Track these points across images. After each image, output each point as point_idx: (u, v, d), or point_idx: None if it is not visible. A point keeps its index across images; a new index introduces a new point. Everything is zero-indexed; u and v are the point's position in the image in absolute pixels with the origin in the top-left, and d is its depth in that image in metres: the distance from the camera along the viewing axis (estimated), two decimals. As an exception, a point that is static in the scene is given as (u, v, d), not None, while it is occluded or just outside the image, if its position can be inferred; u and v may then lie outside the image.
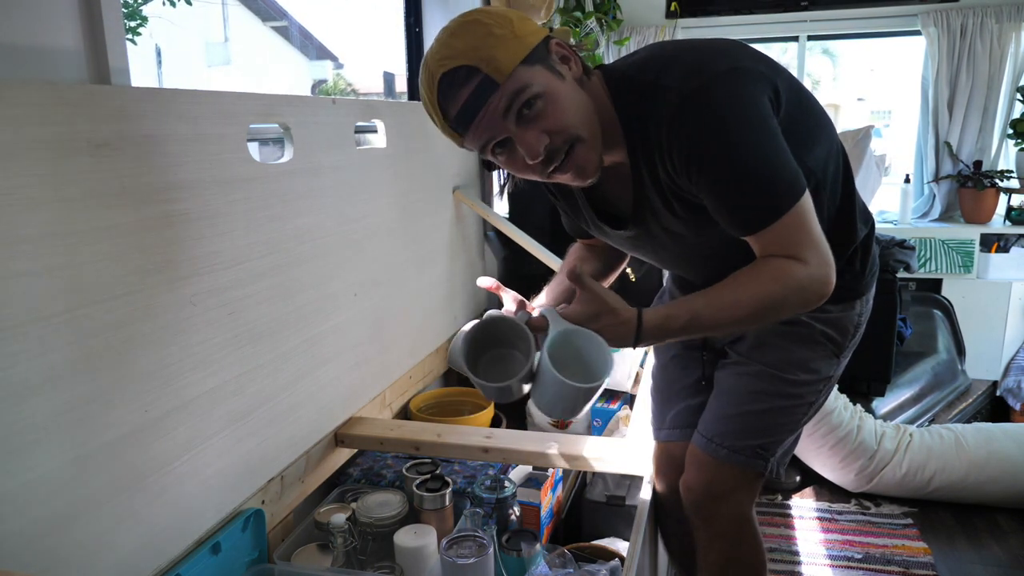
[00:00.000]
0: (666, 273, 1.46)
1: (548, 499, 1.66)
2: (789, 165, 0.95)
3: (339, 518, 1.31)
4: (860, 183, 2.97)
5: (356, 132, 1.68)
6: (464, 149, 1.02)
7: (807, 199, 0.96)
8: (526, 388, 1.06)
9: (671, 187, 1.02)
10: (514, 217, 2.39)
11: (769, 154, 0.94)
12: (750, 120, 0.94)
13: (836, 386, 2.57)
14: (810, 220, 0.97)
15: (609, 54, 3.52)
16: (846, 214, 1.14)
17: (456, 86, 0.93)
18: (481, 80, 0.92)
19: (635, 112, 1.00)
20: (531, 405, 2.05)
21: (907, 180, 3.45)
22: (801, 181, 0.96)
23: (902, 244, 2.63)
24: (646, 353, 2.06)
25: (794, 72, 3.64)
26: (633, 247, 1.22)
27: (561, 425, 2.05)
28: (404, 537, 1.37)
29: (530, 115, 0.95)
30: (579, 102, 0.99)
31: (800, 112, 1.04)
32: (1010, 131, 3.25)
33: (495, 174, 2.54)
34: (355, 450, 1.72)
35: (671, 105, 0.95)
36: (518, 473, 1.68)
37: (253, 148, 1.31)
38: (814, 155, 1.06)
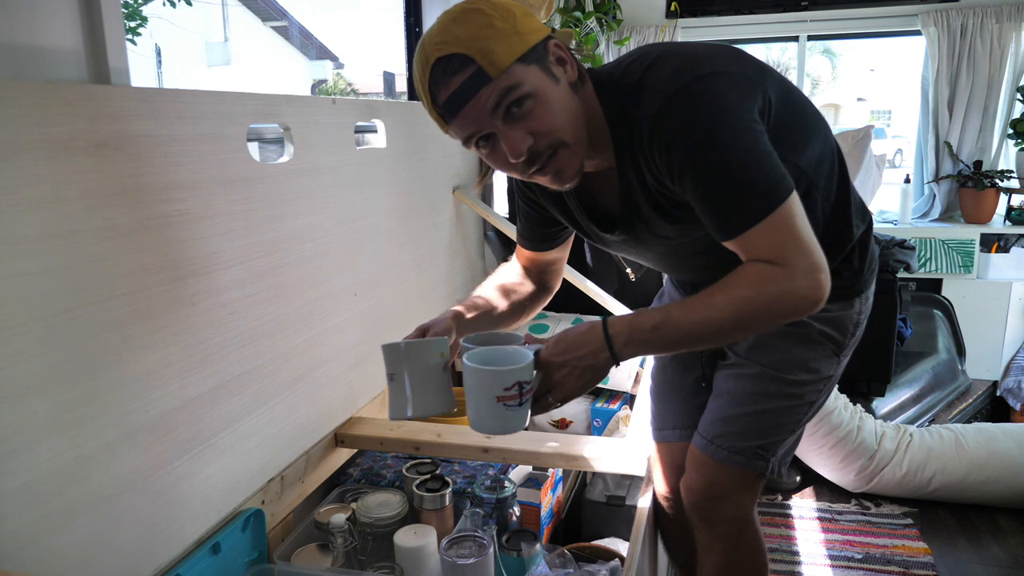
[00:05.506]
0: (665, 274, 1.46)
1: (548, 499, 1.66)
2: (773, 168, 0.93)
3: (339, 518, 1.31)
4: (860, 183, 2.98)
5: (356, 132, 1.68)
6: (449, 136, 1.01)
7: (793, 202, 0.92)
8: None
9: (658, 188, 1.01)
10: (514, 217, 2.39)
11: (750, 156, 0.92)
12: (731, 123, 0.92)
13: (836, 386, 2.58)
14: (797, 224, 0.92)
15: (609, 54, 3.52)
16: (841, 213, 1.13)
17: (449, 73, 0.92)
18: (475, 71, 0.91)
19: (621, 116, 1.00)
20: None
21: (907, 180, 3.45)
22: (787, 184, 0.92)
23: (902, 244, 2.63)
24: (646, 353, 2.06)
25: (794, 72, 3.66)
26: (621, 248, 1.22)
27: (563, 424, 2.06)
28: (404, 537, 1.37)
29: (518, 113, 0.94)
30: (569, 107, 0.98)
31: (790, 114, 1.03)
32: (1010, 131, 3.25)
33: (494, 175, 2.54)
34: (355, 450, 1.72)
35: (653, 107, 0.94)
36: (518, 473, 1.68)
37: (253, 148, 1.31)
38: (807, 156, 1.06)
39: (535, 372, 0.99)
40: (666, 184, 0.99)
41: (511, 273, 1.33)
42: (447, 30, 0.93)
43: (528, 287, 1.32)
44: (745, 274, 0.93)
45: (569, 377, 0.98)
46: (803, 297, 0.92)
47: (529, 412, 0.99)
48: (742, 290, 0.92)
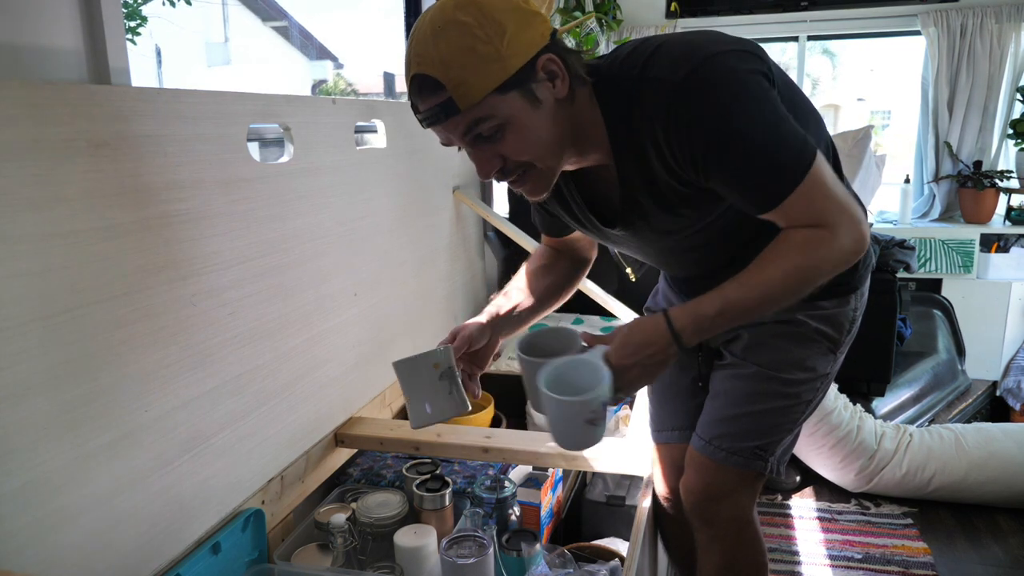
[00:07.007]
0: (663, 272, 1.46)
1: (548, 499, 1.66)
2: (794, 133, 0.93)
3: (339, 518, 1.31)
4: (860, 183, 2.98)
5: (356, 132, 1.68)
6: None
7: (820, 163, 0.93)
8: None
9: (667, 181, 1.00)
10: (514, 217, 2.39)
11: (772, 127, 0.92)
12: (747, 95, 0.92)
13: (836, 386, 2.59)
14: (828, 182, 0.93)
15: (609, 54, 3.52)
16: None
17: (424, 91, 0.92)
18: (445, 100, 0.90)
19: (620, 113, 0.99)
20: (529, 405, 2.05)
21: (907, 180, 3.45)
22: (810, 146, 0.93)
23: (902, 244, 2.63)
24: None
25: (794, 72, 3.66)
26: (621, 243, 1.21)
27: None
28: (404, 537, 1.37)
29: (488, 138, 0.94)
30: (545, 132, 0.96)
31: (788, 105, 1.01)
32: (1010, 131, 3.25)
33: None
34: (355, 450, 1.72)
35: (663, 97, 0.93)
36: (518, 473, 1.68)
37: (253, 148, 1.31)
38: None
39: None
40: (679, 174, 0.98)
41: (544, 255, 1.33)
42: (427, 43, 0.90)
43: (564, 264, 1.32)
44: (791, 242, 0.95)
45: (641, 376, 1.00)
46: (850, 251, 0.95)
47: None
48: (792, 259, 0.94)
